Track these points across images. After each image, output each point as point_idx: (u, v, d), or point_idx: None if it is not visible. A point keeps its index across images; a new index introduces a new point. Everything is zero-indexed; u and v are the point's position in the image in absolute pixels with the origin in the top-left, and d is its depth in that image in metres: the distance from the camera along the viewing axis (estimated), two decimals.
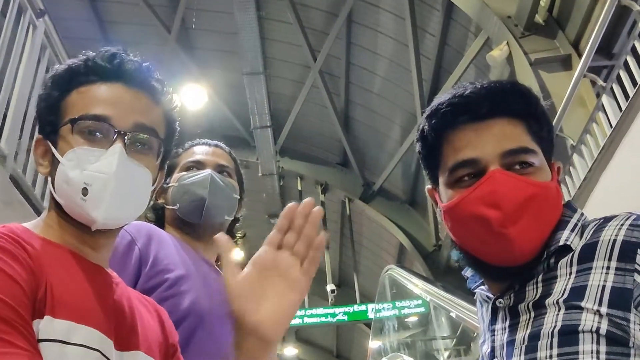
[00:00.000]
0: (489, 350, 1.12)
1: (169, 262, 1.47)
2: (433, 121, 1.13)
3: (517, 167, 1.06)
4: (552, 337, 0.97)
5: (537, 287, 1.04)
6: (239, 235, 1.78)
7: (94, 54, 1.06)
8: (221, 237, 1.00)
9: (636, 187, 4.33)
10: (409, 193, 13.70)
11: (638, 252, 0.96)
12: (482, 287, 1.17)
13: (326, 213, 14.56)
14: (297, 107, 13.26)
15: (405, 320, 10.15)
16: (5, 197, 3.46)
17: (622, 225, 0.99)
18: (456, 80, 9.50)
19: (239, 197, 1.72)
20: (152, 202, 1.63)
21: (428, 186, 1.20)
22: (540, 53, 7.61)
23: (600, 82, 5.60)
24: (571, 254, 1.02)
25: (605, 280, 0.96)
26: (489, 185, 1.03)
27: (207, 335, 1.42)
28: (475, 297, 1.22)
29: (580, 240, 1.04)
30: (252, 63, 11.68)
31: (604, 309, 0.94)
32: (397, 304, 10.07)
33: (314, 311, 12.15)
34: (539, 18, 7.96)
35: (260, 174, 13.62)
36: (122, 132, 1.00)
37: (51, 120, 1.03)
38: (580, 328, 0.94)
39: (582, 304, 0.96)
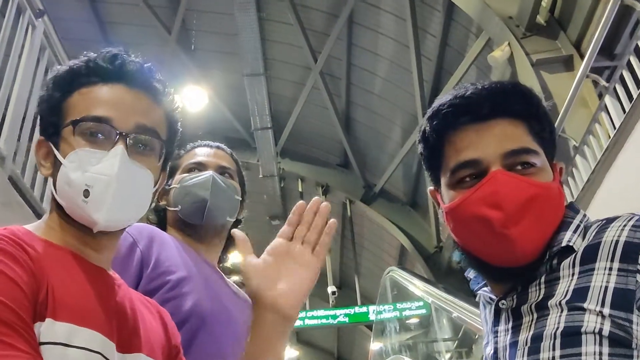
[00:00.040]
0: (492, 351, 1.11)
1: (170, 264, 1.46)
2: (434, 122, 1.13)
3: (519, 167, 1.06)
4: (555, 338, 0.96)
5: (539, 289, 1.03)
6: None
7: (96, 55, 1.06)
8: (237, 232, 1.12)
9: None
10: (410, 195, 13.70)
11: None
12: (485, 288, 1.17)
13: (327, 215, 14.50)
14: (297, 109, 13.26)
15: (407, 322, 10.13)
16: (4, 198, 3.45)
17: (624, 226, 0.99)
18: (457, 81, 9.49)
19: (240, 199, 1.72)
20: (154, 204, 1.63)
21: (430, 188, 1.20)
22: (541, 54, 7.60)
23: (603, 82, 5.58)
24: (574, 255, 1.02)
25: (607, 282, 0.95)
26: (491, 186, 1.03)
27: (209, 336, 1.42)
28: (477, 298, 1.21)
29: (583, 241, 1.03)
30: (252, 64, 11.69)
31: (606, 310, 0.93)
32: (399, 305, 10.05)
33: (315, 313, 12.14)
34: (540, 18, 7.95)
35: (261, 176, 13.63)
36: (123, 134, 1.00)
37: (53, 122, 1.03)
38: (583, 329, 0.94)
39: (585, 305, 0.95)
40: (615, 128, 4.87)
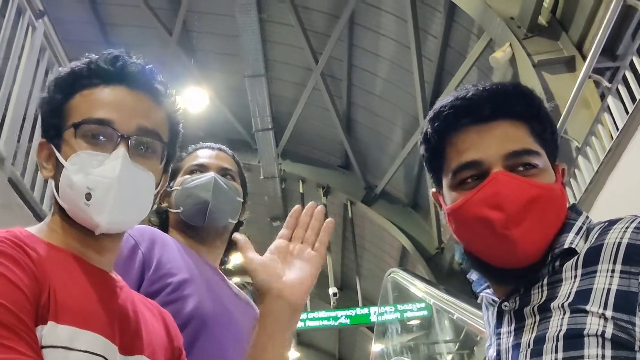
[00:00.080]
0: (494, 354, 1.11)
1: (172, 266, 1.46)
2: (436, 124, 1.13)
3: (521, 168, 1.06)
4: (558, 340, 0.96)
5: (542, 291, 1.03)
6: None
7: (97, 56, 1.06)
8: (238, 236, 1.15)
9: None
10: (411, 196, 13.69)
11: None
12: (488, 290, 1.17)
13: (328, 216, 14.27)
14: (298, 110, 13.25)
15: (408, 323, 10.11)
16: (3, 200, 3.44)
17: (627, 228, 0.98)
18: (458, 82, 9.49)
19: (242, 201, 1.72)
20: (156, 206, 1.63)
21: (432, 190, 1.20)
22: (543, 55, 7.58)
23: (605, 83, 5.56)
24: (576, 257, 1.02)
25: (610, 284, 0.95)
26: (492, 187, 1.04)
27: (211, 339, 1.42)
28: (479, 300, 1.21)
29: (585, 243, 1.03)
30: (253, 66, 11.69)
31: (609, 313, 0.93)
32: (400, 307, 10.04)
33: (316, 314, 12.11)
34: (542, 19, 7.93)
35: (262, 177, 13.63)
36: (125, 136, 1.00)
37: (54, 124, 1.03)
38: (585, 332, 0.94)
39: (587, 307, 0.95)
40: (618, 129, 4.85)
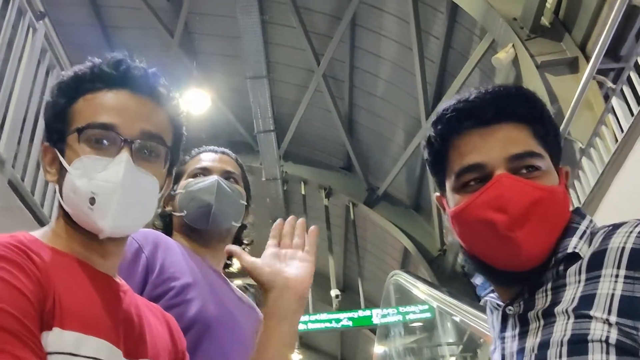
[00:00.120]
0: (499, 358, 1.10)
1: (175, 270, 1.46)
2: (438, 127, 1.13)
3: (524, 171, 1.06)
4: (562, 345, 0.95)
5: (546, 295, 1.03)
6: (247, 242, 1.78)
7: (100, 60, 1.06)
8: (230, 247, 1.22)
9: None
10: (413, 198, 13.68)
11: None
12: (492, 294, 1.17)
13: (330, 218, 14.60)
14: (300, 111, 13.26)
15: (411, 325, 10.09)
16: (3, 202, 3.43)
17: (630, 232, 0.98)
18: (461, 83, 9.47)
19: (245, 204, 1.73)
20: (159, 210, 1.66)
21: (436, 194, 1.20)
22: (546, 56, 7.56)
23: (609, 84, 5.54)
24: (580, 261, 1.01)
25: (614, 289, 0.95)
26: (496, 190, 1.04)
27: (214, 342, 1.42)
28: (481, 302, 1.21)
29: (589, 247, 1.03)
30: (255, 67, 11.71)
31: (613, 318, 0.93)
32: (403, 309, 10.03)
33: (318, 317, 12.10)
34: (545, 20, 7.91)
35: (263, 179, 13.65)
36: (128, 140, 1.00)
37: (58, 128, 1.04)
38: (589, 337, 0.93)
39: (592, 312, 0.95)
40: (622, 130, 4.83)
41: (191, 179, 1.69)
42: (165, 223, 1.70)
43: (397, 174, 12.95)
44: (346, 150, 13.80)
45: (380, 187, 13.72)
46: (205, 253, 1.63)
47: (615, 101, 5.13)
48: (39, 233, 1.02)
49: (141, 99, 1.04)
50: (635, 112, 4.64)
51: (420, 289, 8.38)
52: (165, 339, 1.11)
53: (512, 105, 1.10)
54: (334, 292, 13.58)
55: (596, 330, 0.93)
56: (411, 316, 9.95)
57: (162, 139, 1.05)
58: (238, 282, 1.73)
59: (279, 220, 1.27)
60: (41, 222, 3.68)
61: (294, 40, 12.13)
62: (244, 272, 1.25)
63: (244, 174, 1.80)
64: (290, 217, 1.28)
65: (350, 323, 11.93)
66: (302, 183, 14.82)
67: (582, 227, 1.06)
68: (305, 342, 19.32)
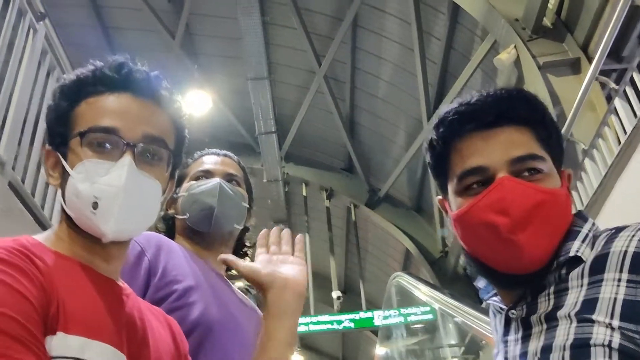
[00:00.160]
0: None
1: (177, 273, 1.47)
2: (440, 130, 1.14)
3: (526, 174, 1.06)
4: (565, 350, 0.96)
5: (549, 299, 1.03)
6: (249, 244, 1.78)
7: (102, 63, 1.06)
8: (223, 256, 1.26)
9: None
10: (414, 199, 13.67)
11: None
12: (495, 298, 1.17)
13: (331, 219, 14.60)
14: (302, 113, 13.25)
15: (413, 327, 10.08)
16: (4, 204, 3.42)
17: (633, 236, 0.98)
18: (462, 84, 9.47)
19: (247, 206, 1.73)
20: (162, 213, 1.67)
21: (438, 197, 1.21)
22: (548, 56, 7.55)
23: (612, 85, 5.53)
24: (582, 265, 1.02)
25: (616, 293, 0.95)
26: (498, 192, 1.04)
27: (216, 345, 1.42)
28: (483, 305, 1.19)
29: (592, 251, 1.03)
30: (256, 68, 11.70)
31: (615, 322, 0.93)
32: (404, 311, 10.00)
33: (320, 318, 12.08)
34: (547, 21, 7.90)
35: (265, 180, 13.65)
36: (131, 144, 1.00)
37: (60, 132, 1.04)
38: (592, 342, 0.93)
39: (594, 316, 0.95)
40: (625, 131, 4.82)
41: (193, 182, 1.70)
42: (168, 226, 1.71)
43: (398, 176, 12.94)
44: (347, 151, 13.79)
45: (382, 188, 13.71)
46: (208, 256, 1.63)
47: (618, 102, 5.12)
48: (41, 237, 1.02)
49: (143, 102, 1.04)
50: (638, 114, 4.62)
51: (421, 291, 8.36)
52: (168, 343, 1.11)
53: (513, 108, 1.10)
54: (335, 293, 13.56)
55: (599, 334, 0.93)
56: (413, 318, 9.93)
57: (165, 142, 1.05)
58: (240, 284, 1.74)
59: (263, 231, 1.31)
60: (42, 224, 3.67)
61: (295, 42, 12.12)
62: None
63: (247, 176, 1.80)
64: (275, 228, 1.32)
65: (352, 325, 11.90)
66: (303, 184, 14.82)
67: (584, 231, 1.06)
68: (307, 343, 19.29)
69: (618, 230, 1.02)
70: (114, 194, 0.97)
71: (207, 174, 1.71)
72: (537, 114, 1.12)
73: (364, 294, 14.18)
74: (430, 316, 9.39)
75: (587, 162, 5.60)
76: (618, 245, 0.98)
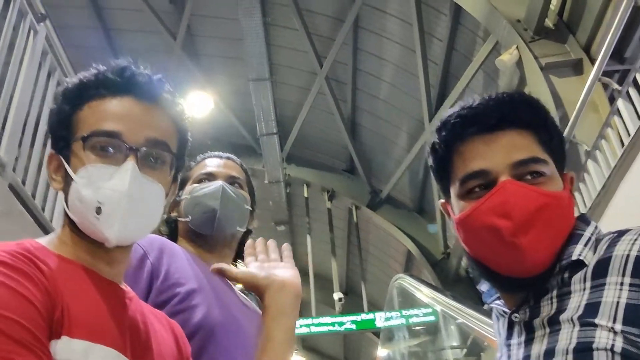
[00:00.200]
0: None
1: (180, 276, 1.47)
2: (443, 134, 1.14)
3: (528, 177, 1.07)
4: (567, 354, 0.95)
5: (551, 303, 1.03)
6: None
7: (104, 67, 1.06)
8: (216, 266, 1.27)
9: None
10: (416, 201, 13.66)
11: None
12: (498, 301, 1.17)
13: (333, 220, 14.59)
14: (303, 114, 13.25)
15: (415, 329, 10.06)
16: (4, 206, 3.41)
17: (635, 240, 0.98)
18: (464, 86, 9.45)
19: (250, 209, 1.74)
20: (165, 215, 1.66)
21: (441, 200, 1.21)
22: (550, 57, 7.52)
23: (615, 86, 5.51)
24: (585, 269, 1.02)
25: (619, 297, 0.95)
26: (500, 196, 1.04)
27: (219, 348, 1.42)
28: (486, 307, 1.22)
29: (594, 255, 1.03)
30: (257, 69, 11.70)
31: (618, 326, 0.93)
32: (406, 312, 9.98)
33: (321, 320, 12.07)
34: (549, 22, 7.88)
35: (266, 182, 13.65)
36: (134, 148, 1.00)
37: (63, 136, 1.04)
38: (594, 346, 0.93)
39: (597, 320, 0.95)
40: (628, 132, 4.79)
41: (196, 185, 1.70)
42: (171, 229, 1.71)
43: (400, 177, 12.93)
44: (349, 152, 13.79)
45: (384, 190, 13.70)
46: (210, 258, 1.62)
47: (621, 103, 5.10)
48: (45, 240, 1.01)
49: (146, 106, 1.04)
50: None
51: (423, 292, 8.33)
52: (171, 346, 1.12)
53: (515, 111, 1.10)
54: (337, 295, 13.55)
55: (601, 338, 0.93)
56: (415, 319, 9.91)
57: (168, 146, 1.05)
58: (240, 285, 1.70)
59: (249, 242, 1.36)
60: (42, 226, 3.66)
61: (296, 43, 12.12)
62: None
63: (249, 179, 1.81)
64: (260, 238, 1.37)
65: (353, 326, 11.90)
66: (304, 186, 14.81)
67: (586, 234, 1.06)
68: (308, 345, 19.28)
69: (620, 233, 1.02)
70: (117, 199, 0.97)
71: (210, 177, 1.71)
72: (539, 117, 1.12)
73: (366, 295, 14.18)
74: (432, 318, 9.37)
75: (590, 164, 5.58)
76: (620, 249, 0.98)
